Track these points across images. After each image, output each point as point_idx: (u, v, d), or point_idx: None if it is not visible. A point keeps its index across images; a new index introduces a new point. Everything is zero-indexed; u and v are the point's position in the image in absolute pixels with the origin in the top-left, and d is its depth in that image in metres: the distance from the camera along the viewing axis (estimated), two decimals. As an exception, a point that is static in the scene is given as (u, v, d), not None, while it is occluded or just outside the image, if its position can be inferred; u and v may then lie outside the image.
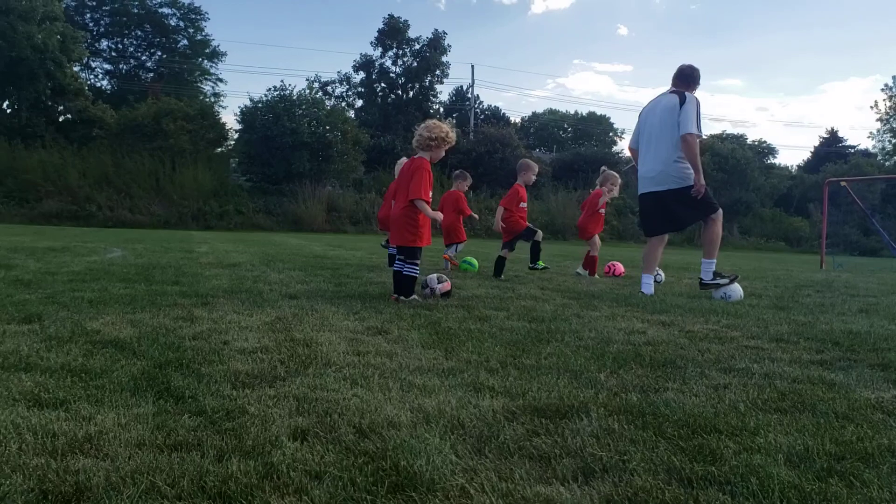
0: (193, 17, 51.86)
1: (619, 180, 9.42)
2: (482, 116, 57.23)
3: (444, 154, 6.04)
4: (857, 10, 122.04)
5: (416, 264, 5.76)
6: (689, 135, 6.45)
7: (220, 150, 39.29)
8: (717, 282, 6.68)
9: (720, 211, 6.84)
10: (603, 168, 9.84)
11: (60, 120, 38.10)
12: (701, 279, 6.82)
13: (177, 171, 33.18)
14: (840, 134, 59.42)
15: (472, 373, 3.03)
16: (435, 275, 6.13)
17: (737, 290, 6.65)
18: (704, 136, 6.48)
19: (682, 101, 6.55)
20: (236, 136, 39.21)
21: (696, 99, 6.64)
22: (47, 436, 2.05)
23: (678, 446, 2.13)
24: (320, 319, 4.43)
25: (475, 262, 9.65)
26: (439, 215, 6.00)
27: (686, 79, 6.81)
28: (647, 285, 6.86)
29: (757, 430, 2.31)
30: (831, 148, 55.34)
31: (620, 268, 9.60)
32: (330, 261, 10.44)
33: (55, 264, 7.77)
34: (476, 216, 10.44)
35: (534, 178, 8.94)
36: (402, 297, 5.61)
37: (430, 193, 5.86)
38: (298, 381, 2.79)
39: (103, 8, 49.96)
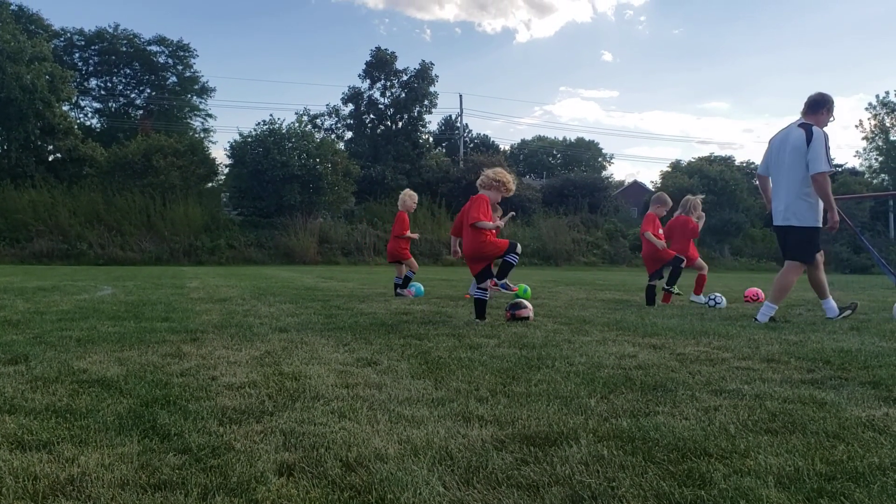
0: (182, 54, 52.22)
1: (700, 205, 9.57)
2: (471, 145, 57.62)
3: (500, 199, 6.72)
4: (838, 30, 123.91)
5: (486, 289, 6.45)
6: (819, 174, 6.37)
7: (210, 185, 39.37)
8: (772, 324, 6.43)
9: (806, 267, 6.74)
10: (687, 197, 9.76)
11: (50, 159, 38.11)
12: (756, 319, 6.60)
13: (167, 207, 33.21)
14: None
15: (462, 402, 3.01)
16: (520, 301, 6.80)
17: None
18: (832, 170, 6.44)
19: (810, 138, 6.42)
20: (226, 170, 39.35)
21: (824, 133, 6.49)
22: (29, 478, 2.02)
23: (668, 471, 2.11)
24: (310, 352, 4.41)
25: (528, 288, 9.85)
26: (499, 223, 6.70)
27: (813, 105, 6.69)
28: (830, 309, 6.77)
29: (747, 451, 2.29)
30: (818, 167, 55.58)
31: (762, 294, 9.73)
32: (321, 293, 10.42)
33: (44, 304, 7.73)
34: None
35: (664, 213, 9.09)
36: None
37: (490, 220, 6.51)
38: (286, 415, 2.77)
39: (92, 47, 50.27)
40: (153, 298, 8.76)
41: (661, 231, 8.91)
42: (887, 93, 45.22)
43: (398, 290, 9.76)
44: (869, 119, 48.27)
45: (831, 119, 6.72)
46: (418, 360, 4.10)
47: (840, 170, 52.70)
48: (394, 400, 3.05)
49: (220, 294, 9.84)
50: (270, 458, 2.23)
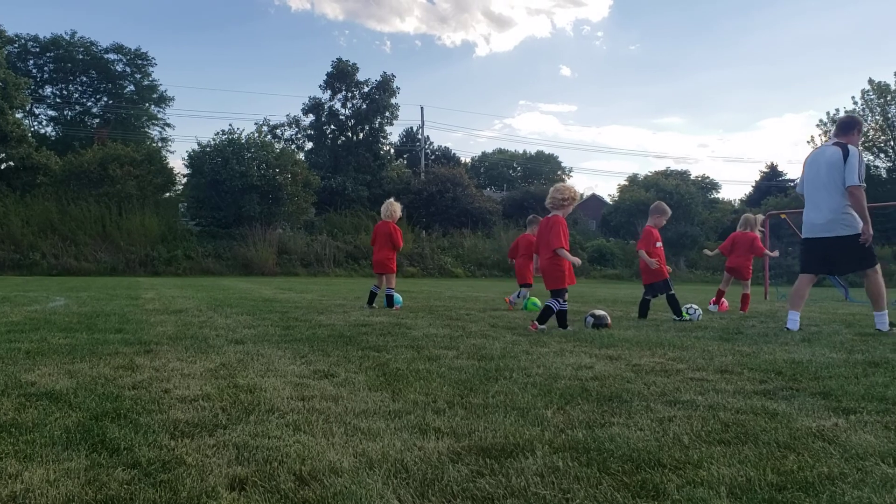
0: (140, 62, 51.59)
1: (759, 221, 10.28)
2: (433, 157, 57.73)
3: (571, 210, 7.17)
4: (789, 48, 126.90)
5: (565, 300, 6.90)
6: (853, 187, 6.70)
7: (168, 194, 38.91)
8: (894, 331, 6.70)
9: (878, 265, 6.98)
10: (745, 215, 10.47)
11: (2, 167, 37.29)
12: (878, 330, 6.82)
13: (123, 217, 32.69)
14: (779, 168, 61.17)
15: (419, 414, 2.99)
16: (602, 312, 7.34)
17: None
18: (863, 185, 6.84)
19: (846, 154, 6.80)
20: (184, 180, 38.88)
21: (858, 151, 6.88)
22: (-31, 496, 1.96)
23: (622, 482, 2.12)
24: (266, 364, 4.35)
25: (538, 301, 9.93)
26: (578, 260, 6.98)
27: (845, 127, 7.09)
28: (793, 321, 6.96)
29: (700, 462, 2.31)
30: (772, 182, 56.92)
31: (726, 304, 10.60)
32: (279, 304, 10.31)
33: (-8, 315, 7.53)
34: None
35: (664, 222, 8.94)
36: (561, 328, 6.76)
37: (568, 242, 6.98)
38: (240, 428, 2.72)
39: (47, 54, 49.37)
40: (107, 310, 8.59)
41: (658, 245, 8.63)
42: (837, 110, 46.43)
43: (383, 303, 9.65)
44: (820, 135, 49.47)
45: (861, 139, 7.21)
46: (376, 372, 4.07)
47: (792, 184, 53.86)
48: (350, 412, 3.03)
49: (175, 305, 9.69)
50: (222, 472, 2.19)
